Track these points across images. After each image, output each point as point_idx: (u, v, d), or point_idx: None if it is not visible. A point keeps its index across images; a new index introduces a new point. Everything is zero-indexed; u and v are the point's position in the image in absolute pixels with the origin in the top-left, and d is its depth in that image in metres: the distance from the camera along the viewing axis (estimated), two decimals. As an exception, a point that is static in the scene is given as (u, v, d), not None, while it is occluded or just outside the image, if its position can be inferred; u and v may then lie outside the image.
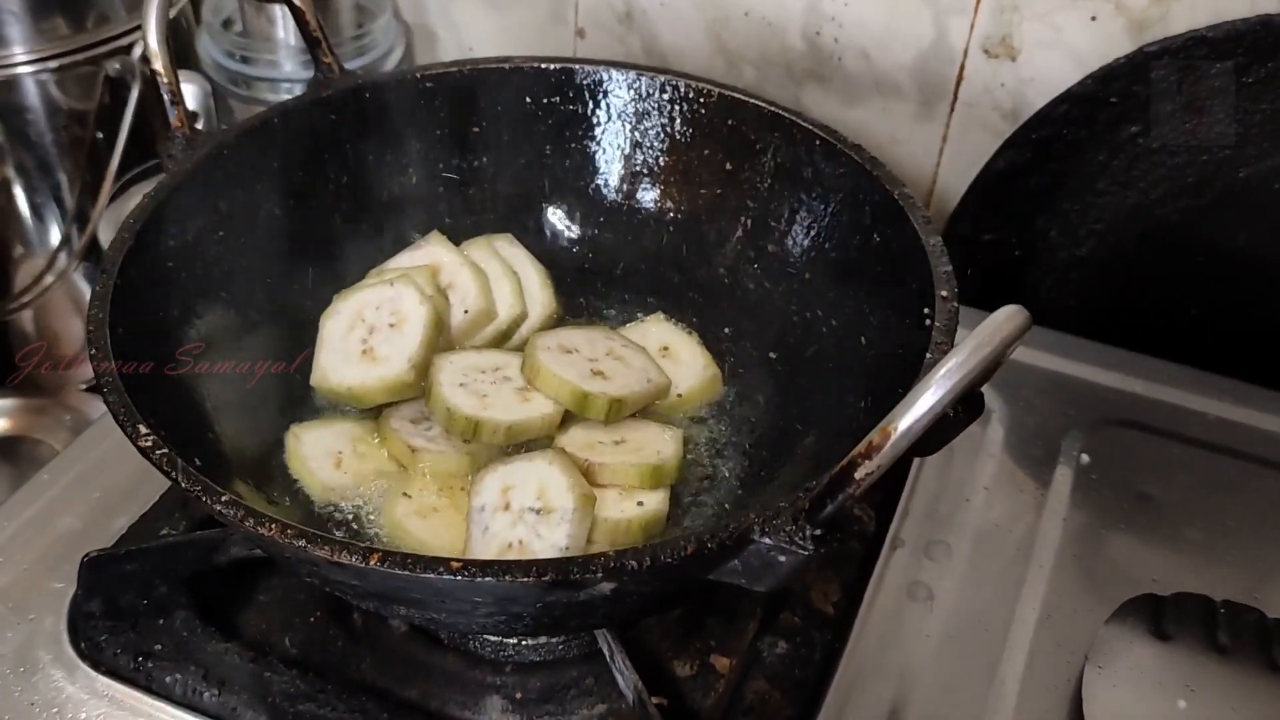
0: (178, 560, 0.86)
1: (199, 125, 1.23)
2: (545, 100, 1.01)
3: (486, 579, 0.62)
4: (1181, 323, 1.17)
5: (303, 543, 0.63)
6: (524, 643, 0.87)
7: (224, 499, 0.65)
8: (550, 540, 0.79)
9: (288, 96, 1.30)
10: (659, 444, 0.88)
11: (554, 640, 0.87)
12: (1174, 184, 1.13)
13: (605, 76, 1.00)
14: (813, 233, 0.94)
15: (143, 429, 0.69)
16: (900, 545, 0.94)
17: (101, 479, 0.97)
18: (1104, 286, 1.19)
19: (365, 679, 0.86)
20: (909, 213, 0.85)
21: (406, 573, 0.62)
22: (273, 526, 0.64)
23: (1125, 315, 1.18)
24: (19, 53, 1.23)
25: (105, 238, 1.20)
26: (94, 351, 0.73)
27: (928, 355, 0.74)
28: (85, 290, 1.41)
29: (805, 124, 0.94)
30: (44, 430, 1.40)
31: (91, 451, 0.99)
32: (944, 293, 0.79)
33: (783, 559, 0.64)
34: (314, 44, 0.96)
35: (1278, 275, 1.13)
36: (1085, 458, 1.02)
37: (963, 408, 0.70)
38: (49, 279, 1.34)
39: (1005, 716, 0.83)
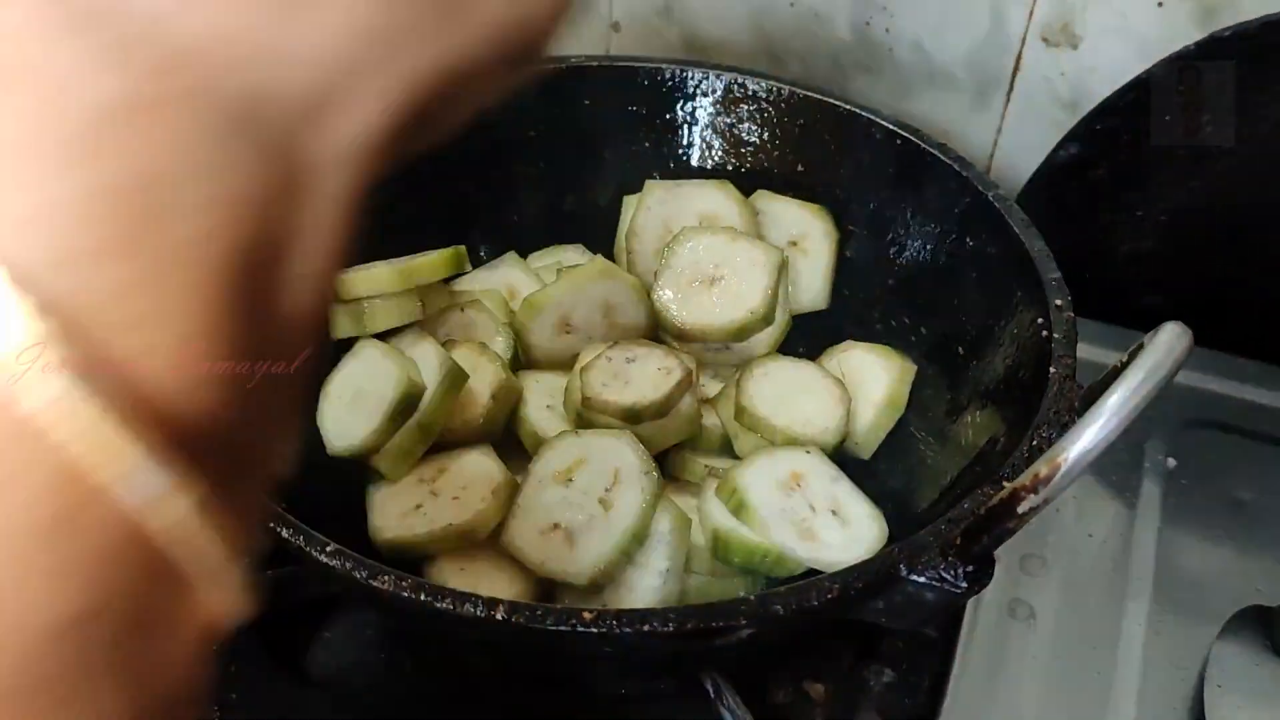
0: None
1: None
2: (604, 101, 0.96)
3: (622, 631, 0.57)
4: (1258, 318, 1.13)
5: (419, 595, 0.58)
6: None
7: (329, 549, 0.61)
8: (651, 565, 0.74)
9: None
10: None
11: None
12: (1243, 174, 1.10)
13: (670, 75, 0.95)
14: (895, 235, 0.90)
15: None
16: (996, 561, 0.90)
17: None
18: (1172, 281, 1.15)
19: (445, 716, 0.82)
20: (1006, 215, 0.81)
21: (534, 625, 0.57)
22: (387, 580, 0.59)
23: (1199, 311, 1.14)
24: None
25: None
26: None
27: (1051, 370, 0.70)
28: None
29: (884, 123, 0.90)
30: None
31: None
32: (1058, 302, 0.75)
33: (931, 597, 0.60)
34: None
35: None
36: (1172, 462, 0.98)
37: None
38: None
39: (1126, 737, 0.80)
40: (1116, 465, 0.98)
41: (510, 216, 0.98)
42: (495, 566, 0.77)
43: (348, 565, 0.60)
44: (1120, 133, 1.11)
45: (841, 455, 0.85)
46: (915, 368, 0.87)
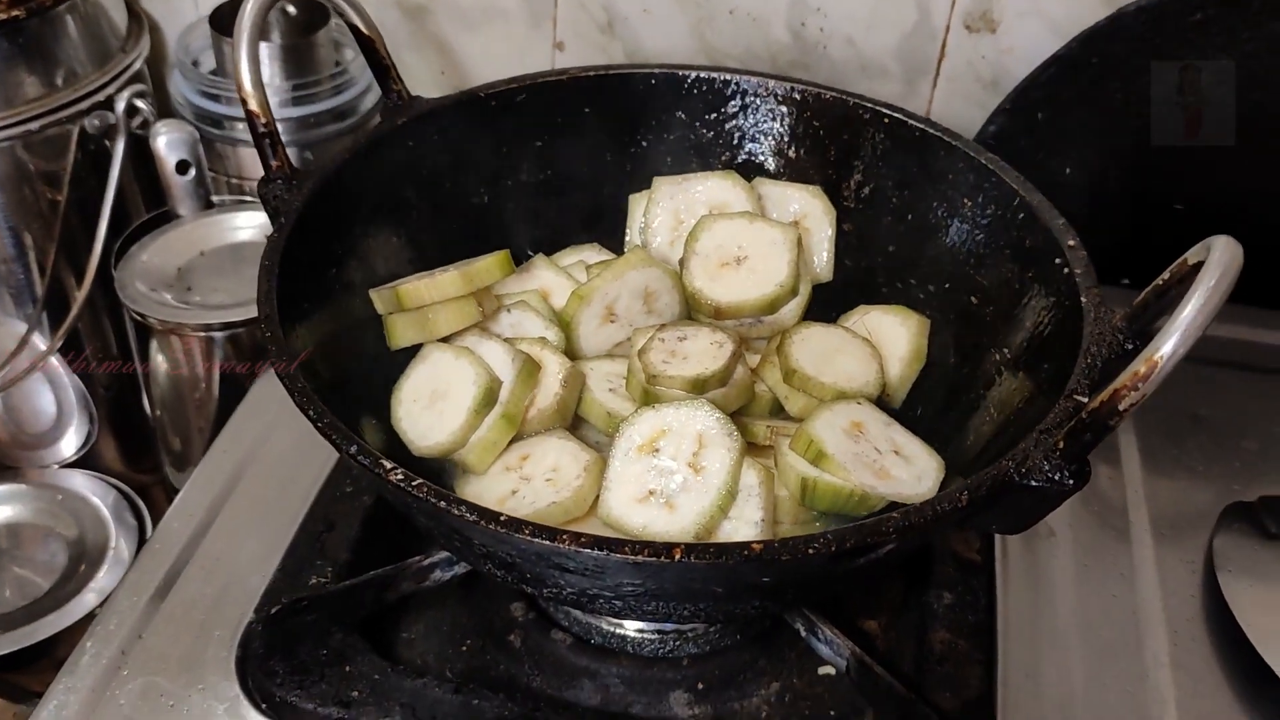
0: (355, 603, 0.84)
1: (191, 173, 1.20)
2: (607, 107, 1.02)
3: (790, 556, 0.64)
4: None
5: (602, 550, 0.63)
6: (686, 635, 0.89)
7: (502, 519, 0.65)
8: (745, 517, 0.80)
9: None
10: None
11: (711, 632, 0.89)
12: (1147, 137, 1.23)
13: (663, 80, 1.02)
14: (891, 205, 0.98)
15: (387, 464, 0.68)
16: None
17: (214, 542, 0.93)
18: (1099, 234, 1.27)
19: (544, 694, 0.86)
20: (1001, 175, 0.91)
21: (709, 561, 0.63)
22: (568, 538, 0.64)
23: (1124, 258, 1.27)
24: (-10, 117, 1.16)
25: (129, 295, 1.15)
26: (299, 397, 0.71)
27: (1084, 300, 0.79)
28: (58, 366, 1.34)
29: (869, 104, 0.98)
30: (40, 515, 1.32)
31: (192, 516, 0.95)
32: (1071, 242, 0.84)
33: (1041, 499, 0.69)
34: (384, 73, 0.95)
35: (1255, 207, 1.25)
36: (1136, 389, 1.10)
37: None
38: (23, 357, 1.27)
39: (1159, 626, 0.90)
40: (1090, 398, 1.09)
41: (524, 222, 1.02)
42: (595, 539, 0.82)
43: (527, 530, 0.64)
44: (1040, 107, 1.23)
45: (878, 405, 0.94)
46: (929, 321, 0.95)
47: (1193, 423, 1.07)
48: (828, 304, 1.00)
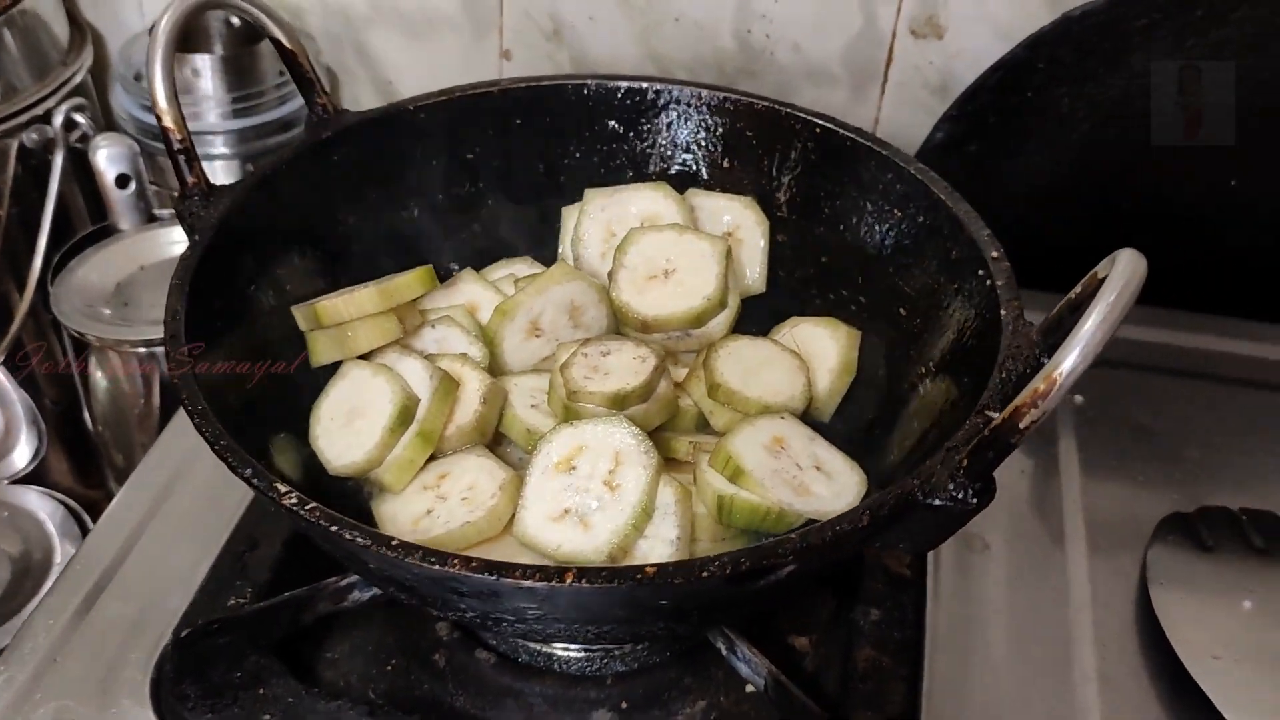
0: (270, 625, 0.83)
1: (131, 187, 1.19)
2: (538, 119, 1.01)
3: (684, 580, 0.63)
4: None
5: (492, 574, 0.62)
6: (613, 653, 0.88)
7: (394, 543, 0.64)
8: (660, 536, 0.79)
9: (214, 151, 1.27)
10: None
11: (640, 649, 0.88)
12: (1097, 139, 1.22)
13: (595, 90, 1.01)
14: (824, 216, 0.97)
15: (281, 488, 0.67)
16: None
17: (136, 562, 0.92)
18: (1045, 237, 1.26)
19: (466, 714, 0.85)
20: (930, 185, 0.89)
21: (606, 585, 0.62)
22: (474, 564, 0.63)
23: (1070, 262, 1.25)
24: (-74, 132, 1.16)
25: (63, 312, 1.14)
26: (198, 419, 0.70)
27: (1003, 313, 0.78)
28: (4, 381, 1.33)
29: (803, 115, 0.97)
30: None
31: (116, 536, 0.94)
32: (994, 253, 0.83)
33: (945, 517, 0.68)
34: (308, 86, 0.94)
35: (1196, 211, 1.24)
36: (1079, 398, 1.09)
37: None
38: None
39: (1088, 641, 0.88)
40: (1032, 408, 1.08)
41: (455, 236, 1.02)
42: (511, 559, 0.81)
43: (417, 555, 0.63)
44: (988, 112, 1.22)
45: (806, 421, 0.92)
46: (860, 333, 0.94)
47: (1136, 432, 1.06)
48: (761, 316, 0.99)
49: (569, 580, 0.62)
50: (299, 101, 1.29)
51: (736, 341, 0.92)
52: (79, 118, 1.21)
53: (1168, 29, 1.15)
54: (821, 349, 0.94)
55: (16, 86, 1.20)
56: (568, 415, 0.86)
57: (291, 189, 0.91)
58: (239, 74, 1.25)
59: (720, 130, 1.01)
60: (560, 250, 1.02)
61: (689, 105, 1.01)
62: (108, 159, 1.18)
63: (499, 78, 1.02)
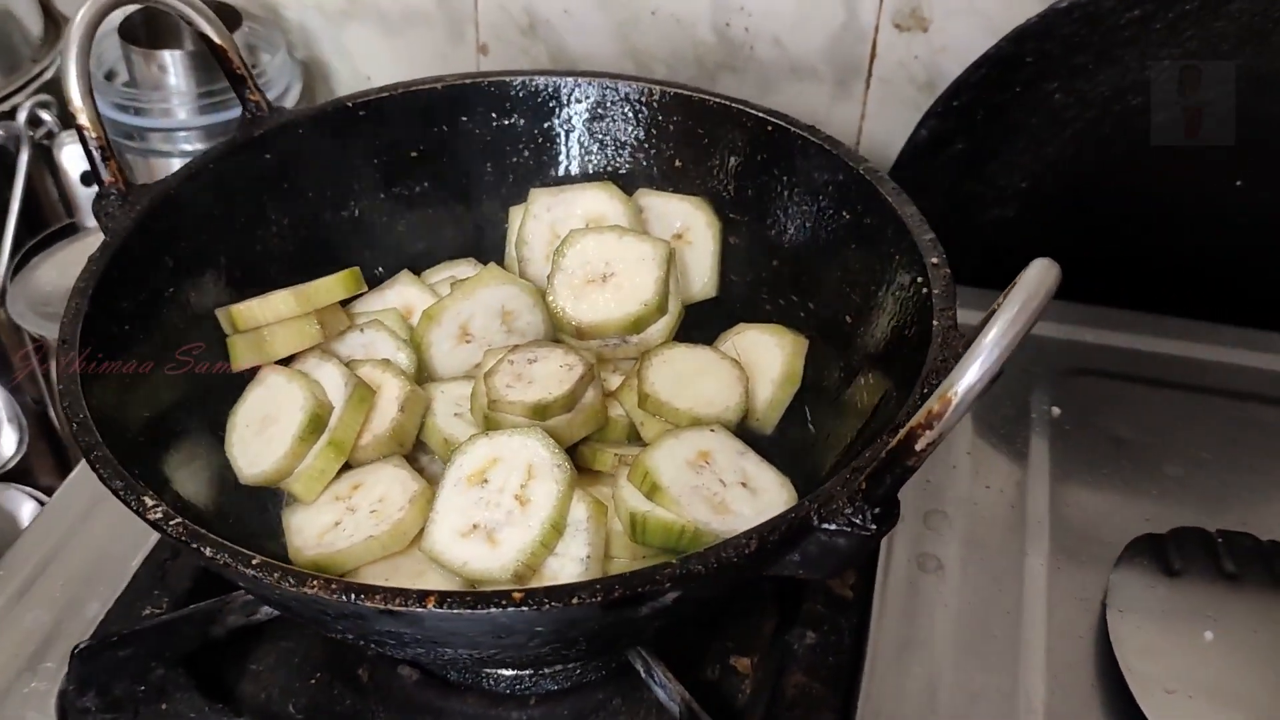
0: (175, 638, 0.81)
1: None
2: (482, 116, 0.98)
3: (551, 606, 0.59)
4: (1114, 269, 1.19)
5: (350, 596, 0.59)
6: (543, 672, 0.85)
7: (255, 562, 0.61)
8: (571, 554, 0.76)
9: (186, 147, 1.25)
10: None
11: (571, 667, 0.85)
12: (1089, 137, 1.16)
13: (546, 86, 0.97)
14: (776, 219, 0.93)
15: (149, 500, 0.64)
16: (900, 520, 0.93)
17: (63, 568, 0.91)
18: (1035, 243, 1.20)
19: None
20: (878, 186, 0.85)
21: (469, 611, 0.59)
22: (315, 584, 0.60)
23: (1066, 269, 1.20)
24: (-110, 129, 1.15)
25: (17, 312, 1.13)
26: (77, 427, 0.68)
27: (935, 323, 0.74)
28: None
29: (755, 112, 0.93)
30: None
31: (45, 540, 0.92)
32: (934, 260, 0.78)
33: (843, 543, 0.63)
34: (239, 82, 0.92)
35: (1192, 213, 1.17)
36: (1056, 410, 1.03)
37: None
38: (-52, 367, 1.26)
39: (1038, 670, 0.83)
40: (1004, 420, 1.03)
41: (397, 237, 0.99)
42: (419, 575, 0.78)
43: (275, 575, 0.61)
44: (975, 108, 1.17)
45: (746, 433, 0.88)
46: (807, 342, 0.90)
47: (1113, 445, 1.01)
48: (712, 322, 0.95)
49: (430, 604, 0.59)
50: (275, 91, 1.27)
51: (672, 350, 0.89)
52: (44, 114, 1.19)
53: (1162, 21, 1.09)
54: (765, 358, 0.90)
55: (-16, 83, 1.20)
56: (489, 425, 0.83)
57: (218, 189, 0.89)
58: (208, 69, 1.23)
59: (672, 129, 0.97)
60: (508, 253, 0.99)
61: (639, 103, 0.97)
62: (71, 156, 1.17)
63: (471, 71, 0.99)
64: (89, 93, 0.83)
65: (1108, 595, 0.87)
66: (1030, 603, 0.88)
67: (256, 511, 0.84)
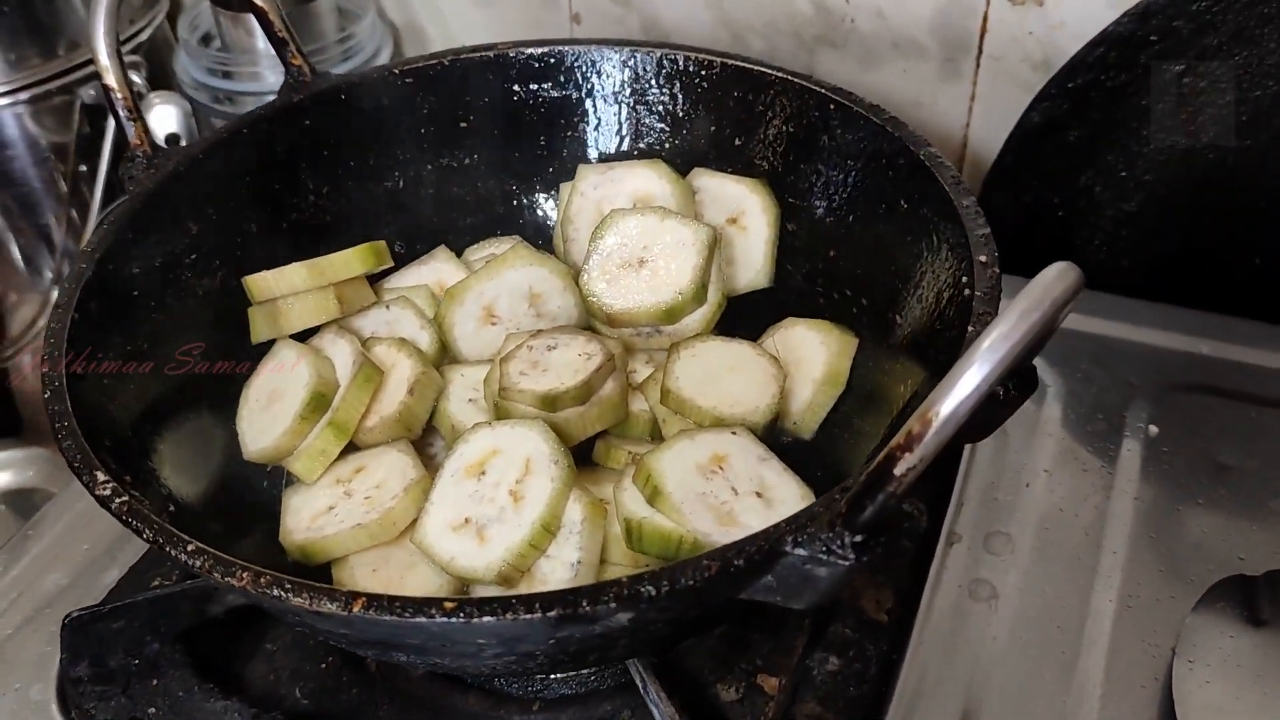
0: (169, 614, 0.79)
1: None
2: (535, 87, 0.93)
3: (486, 619, 0.54)
4: (1246, 275, 1.07)
5: (278, 591, 0.56)
6: (554, 676, 0.80)
7: (190, 548, 0.58)
8: (562, 557, 0.71)
9: (274, 110, 1.24)
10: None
11: (585, 672, 0.80)
12: (1226, 124, 1.04)
13: (597, 57, 0.92)
14: (834, 204, 0.86)
15: (100, 475, 0.62)
16: (956, 540, 0.85)
17: (90, 530, 0.90)
18: (1159, 242, 1.10)
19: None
20: (937, 173, 0.77)
21: (395, 617, 0.54)
22: (244, 575, 0.57)
23: (1185, 271, 1.08)
24: (-10, 85, 1.17)
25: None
26: (48, 394, 0.67)
27: (970, 329, 0.66)
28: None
29: (815, 87, 0.85)
30: (55, 482, 1.34)
31: (78, 502, 0.92)
32: (982, 258, 0.70)
33: (822, 571, 0.56)
34: (280, 45, 0.90)
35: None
36: (1153, 429, 0.93)
37: (1014, 384, 0.62)
38: (42, 322, 1.28)
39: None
40: (1093, 435, 0.93)
41: (440, 211, 0.95)
42: (409, 566, 0.74)
43: (207, 564, 0.57)
44: (1090, 93, 1.06)
45: (784, 436, 0.82)
46: (857, 341, 0.82)
47: (1214, 471, 0.90)
48: (761, 315, 0.88)
49: (356, 608, 0.55)
50: (362, 57, 1.26)
51: (704, 343, 0.82)
52: (134, 75, 1.20)
53: (1307, -3, 0.97)
54: (808, 356, 0.82)
55: (79, 43, 1.21)
56: (499, 414, 0.78)
57: (253, 154, 0.87)
58: (296, 32, 1.21)
59: (730, 104, 0.90)
60: (555, 231, 0.94)
61: (698, 75, 0.91)
62: (157, 117, 1.17)
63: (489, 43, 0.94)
64: (116, 51, 0.81)
65: (1179, 642, 0.77)
66: (1090, 645, 0.79)
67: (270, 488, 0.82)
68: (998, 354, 0.50)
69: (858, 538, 0.55)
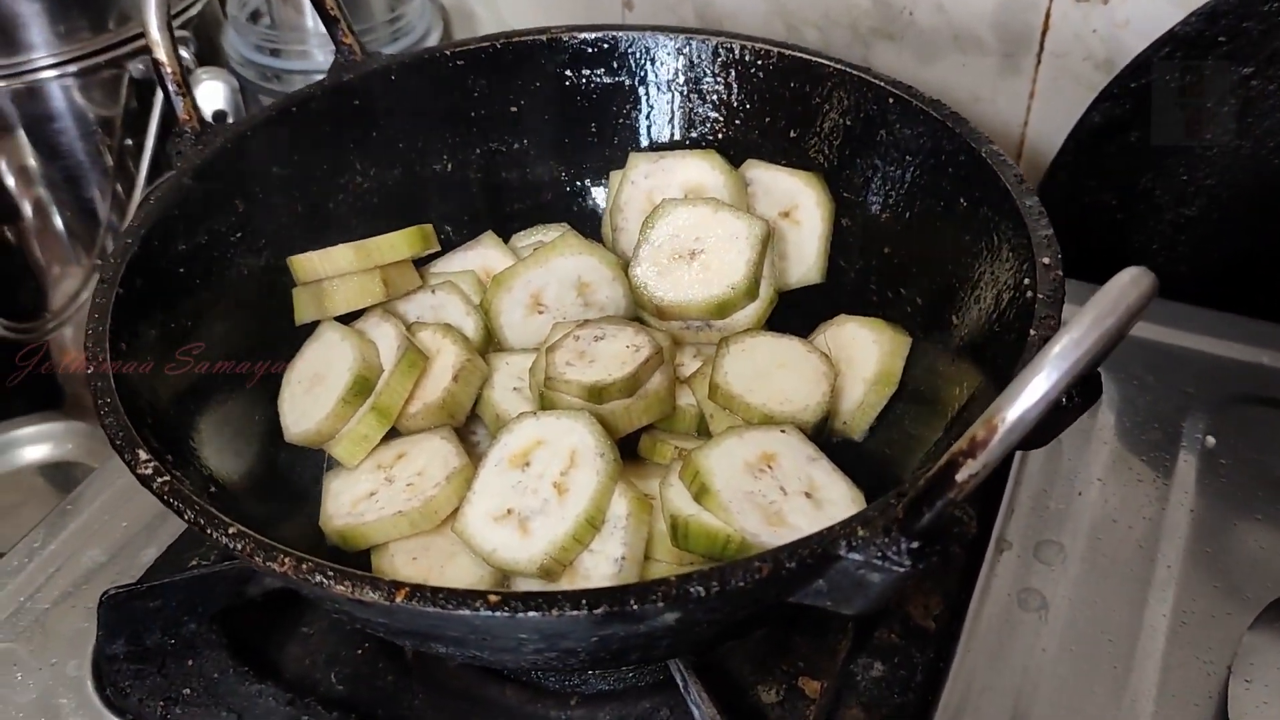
0: (206, 594, 0.78)
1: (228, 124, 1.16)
2: (587, 72, 0.91)
3: (530, 614, 0.53)
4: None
5: (320, 578, 0.55)
6: (592, 672, 0.79)
7: (231, 531, 0.57)
8: (606, 553, 0.69)
9: (322, 90, 1.23)
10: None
11: (624, 669, 0.78)
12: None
13: (651, 43, 0.90)
14: (890, 200, 0.84)
15: (143, 454, 0.61)
16: (1007, 548, 0.83)
17: (129, 507, 0.90)
18: (1219, 248, 1.07)
19: (412, 714, 0.78)
20: (999, 171, 0.75)
21: (438, 609, 0.53)
22: (286, 561, 0.56)
23: (1246, 279, 1.06)
24: (40, 57, 1.17)
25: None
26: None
27: (1032, 332, 0.64)
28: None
29: (875, 80, 0.83)
30: (95, 456, 1.34)
31: (118, 478, 0.92)
32: (1045, 260, 0.68)
33: (876, 577, 0.55)
34: (332, 23, 0.89)
35: None
36: (1211, 440, 0.91)
37: (1078, 391, 0.60)
38: (84, 295, 1.28)
39: (1140, 742, 0.72)
40: (1149, 445, 0.91)
41: (489, 195, 0.94)
42: (450, 556, 0.73)
43: (248, 548, 0.56)
44: (1153, 94, 1.03)
45: (833, 436, 0.80)
46: (910, 340, 0.81)
47: (1274, 486, 0.87)
48: (814, 311, 0.87)
49: (399, 598, 0.54)
50: (412, 38, 1.25)
51: (754, 338, 0.81)
52: (182, 51, 1.19)
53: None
54: (860, 354, 0.81)
55: (130, 16, 1.20)
56: (544, 404, 0.77)
57: (301, 133, 0.86)
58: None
59: (786, 95, 0.88)
60: (604, 220, 0.93)
61: (753, 64, 0.89)
62: (205, 94, 1.17)
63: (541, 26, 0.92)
64: (167, 25, 0.81)
65: (1235, 661, 0.75)
66: (1143, 660, 0.77)
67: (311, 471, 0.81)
68: (1068, 360, 0.48)
69: (914, 544, 0.53)
